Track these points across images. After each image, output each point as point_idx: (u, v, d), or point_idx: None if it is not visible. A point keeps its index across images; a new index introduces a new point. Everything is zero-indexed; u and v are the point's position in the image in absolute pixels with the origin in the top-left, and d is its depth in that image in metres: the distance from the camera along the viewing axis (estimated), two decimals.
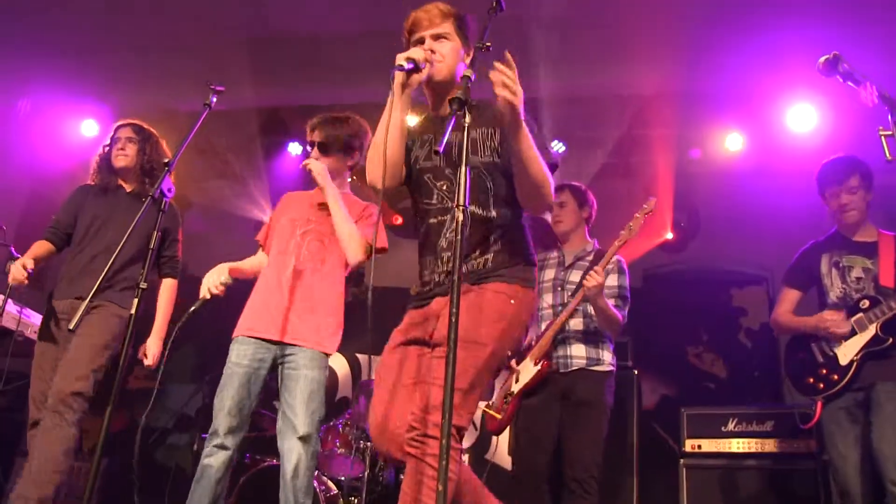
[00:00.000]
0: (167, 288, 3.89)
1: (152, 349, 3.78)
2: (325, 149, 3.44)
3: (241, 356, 3.22)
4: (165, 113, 6.02)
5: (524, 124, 2.20)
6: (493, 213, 2.46)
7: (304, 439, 3.10)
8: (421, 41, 2.52)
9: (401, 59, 2.33)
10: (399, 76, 2.33)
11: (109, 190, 3.87)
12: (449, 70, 2.50)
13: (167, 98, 6.08)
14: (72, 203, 3.87)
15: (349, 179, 6.09)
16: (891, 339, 3.28)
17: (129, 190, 3.89)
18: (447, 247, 2.44)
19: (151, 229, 2.73)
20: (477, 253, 2.42)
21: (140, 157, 3.84)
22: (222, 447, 3.11)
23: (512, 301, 2.37)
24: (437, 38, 2.52)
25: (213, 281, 3.12)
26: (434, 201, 2.51)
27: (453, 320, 1.80)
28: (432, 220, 2.51)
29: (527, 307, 2.43)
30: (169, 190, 2.69)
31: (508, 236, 2.47)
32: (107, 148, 3.93)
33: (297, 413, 3.11)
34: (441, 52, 2.48)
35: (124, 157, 3.83)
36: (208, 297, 3.12)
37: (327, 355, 3.28)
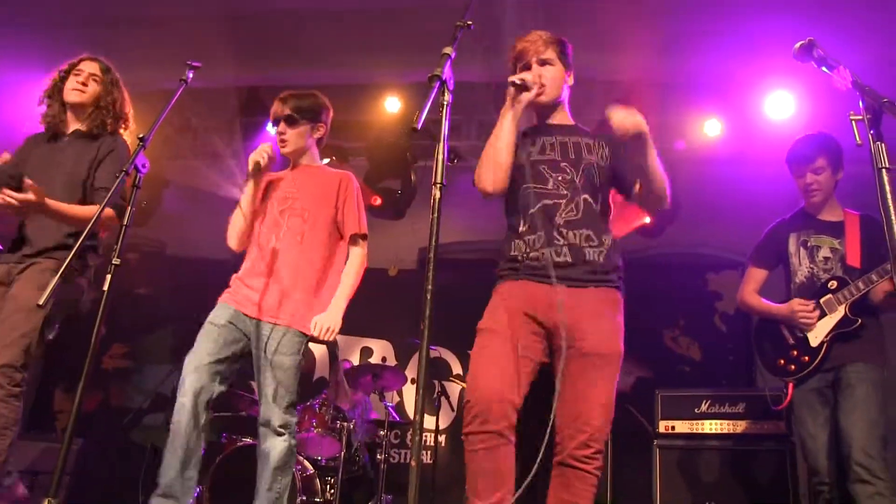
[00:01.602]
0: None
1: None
2: (292, 121, 3.48)
3: (219, 317, 3.21)
4: (142, 90, 5.94)
5: (649, 141, 2.59)
6: (600, 208, 2.73)
7: (281, 429, 3.14)
8: (528, 67, 2.78)
9: (514, 78, 2.65)
10: (511, 91, 2.66)
11: (57, 134, 3.49)
12: (554, 93, 2.81)
13: (144, 75, 5.99)
14: (19, 155, 3.48)
15: (326, 161, 6.08)
16: (860, 321, 3.32)
17: (74, 129, 3.52)
18: (563, 224, 2.63)
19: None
20: (596, 242, 2.64)
21: (98, 99, 3.48)
22: (183, 394, 3.06)
23: (620, 305, 2.67)
24: (542, 63, 2.78)
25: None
26: (549, 187, 2.70)
27: (428, 300, 1.81)
28: (547, 202, 2.68)
29: (623, 311, 2.69)
30: (143, 165, 2.65)
31: (613, 238, 2.72)
32: (62, 74, 3.55)
33: (271, 404, 3.14)
34: (546, 77, 2.76)
35: (80, 93, 3.47)
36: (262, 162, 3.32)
37: (304, 335, 3.26)
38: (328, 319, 3.24)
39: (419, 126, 1.95)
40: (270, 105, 6.77)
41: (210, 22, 5.58)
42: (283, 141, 3.48)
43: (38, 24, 5.73)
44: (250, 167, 3.33)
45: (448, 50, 2.10)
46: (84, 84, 3.49)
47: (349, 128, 6.92)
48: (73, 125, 3.52)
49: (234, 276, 3.39)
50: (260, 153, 3.34)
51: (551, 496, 2.48)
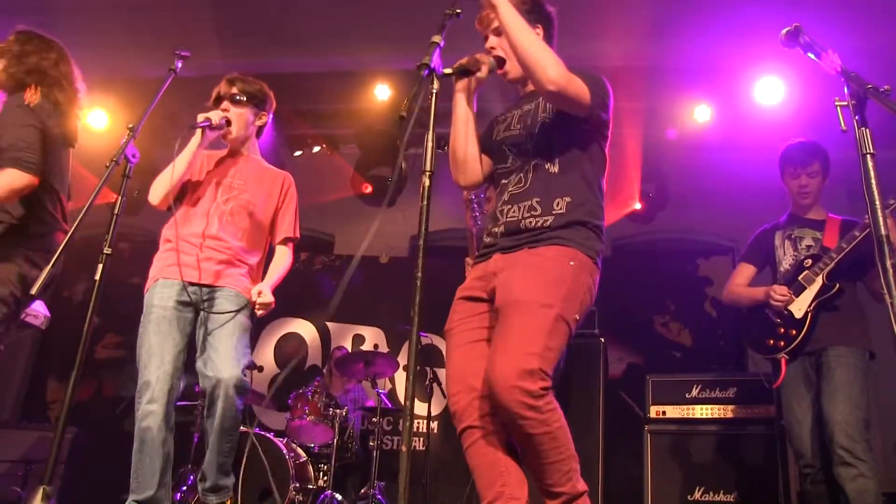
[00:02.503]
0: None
1: None
2: (237, 102, 3.39)
3: (166, 298, 3.06)
4: (130, 79, 5.92)
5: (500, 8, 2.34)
6: (560, 166, 2.42)
7: (239, 389, 2.99)
8: (486, 40, 2.60)
9: (447, 70, 2.36)
10: (456, 82, 2.49)
11: None
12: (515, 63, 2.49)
13: (132, 65, 5.97)
14: None
15: (317, 149, 6.07)
16: (837, 285, 3.45)
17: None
18: (508, 200, 2.45)
19: None
20: (539, 210, 2.37)
21: (12, 68, 3.11)
22: (153, 401, 2.90)
23: (571, 262, 2.27)
24: (497, 33, 2.55)
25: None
26: (508, 164, 2.54)
27: (418, 286, 1.82)
28: (503, 181, 2.54)
29: (588, 271, 2.32)
30: (133, 155, 2.65)
31: (576, 199, 2.38)
32: None
33: (230, 360, 3.00)
34: (503, 47, 2.53)
35: None
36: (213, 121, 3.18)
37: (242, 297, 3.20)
38: (266, 291, 3.19)
39: (407, 115, 1.96)
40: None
41: (198, 8, 5.56)
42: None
43: (24, 10, 5.68)
44: (200, 119, 3.21)
45: (437, 38, 2.10)
46: None
47: (339, 115, 6.92)
48: None
49: (162, 255, 3.23)
50: (214, 113, 3.27)
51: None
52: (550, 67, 2.27)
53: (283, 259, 3.40)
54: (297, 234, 3.48)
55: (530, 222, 2.36)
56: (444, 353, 2.56)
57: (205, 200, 3.30)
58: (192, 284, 3.12)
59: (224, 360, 2.99)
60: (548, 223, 2.33)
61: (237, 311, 3.11)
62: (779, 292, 3.53)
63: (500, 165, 2.58)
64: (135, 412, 2.96)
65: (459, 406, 2.30)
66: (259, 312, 3.16)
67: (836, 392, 3.26)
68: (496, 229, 2.45)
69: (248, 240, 3.31)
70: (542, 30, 2.57)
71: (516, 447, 2.27)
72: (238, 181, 3.38)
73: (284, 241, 3.45)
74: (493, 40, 2.57)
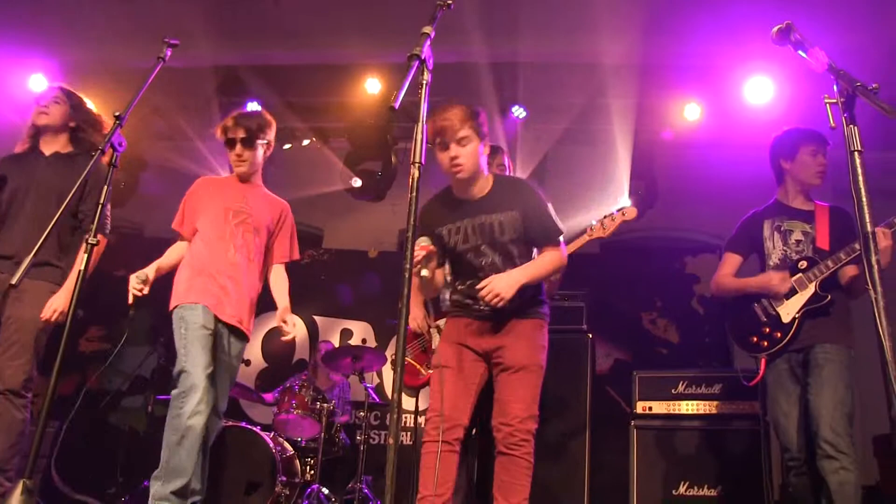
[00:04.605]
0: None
1: (58, 302, 3.45)
2: (249, 143, 3.52)
3: (208, 321, 3.27)
4: (117, 69, 5.87)
5: (521, 278, 2.93)
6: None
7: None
8: (445, 145, 2.97)
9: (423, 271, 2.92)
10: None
11: (25, 155, 3.69)
12: (471, 168, 3.02)
13: (120, 54, 5.93)
14: None
15: (306, 142, 6.06)
16: (829, 297, 3.44)
17: (48, 153, 3.69)
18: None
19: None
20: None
21: (65, 119, 3.70)
22: (201, 402, 3.16)
23: (543, 330, 3.12)
24: (460, 142, 2.95)
25: (135, 284, 3.19)
26: (475, 267, 3.10)
27: (406, 279, 1.81)
28: (474, 280, 3.09)
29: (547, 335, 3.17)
30: (120, 144, 2.63)
31: (531, 290, 3.08)
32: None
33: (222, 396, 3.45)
34: (464, 156, 2.97)
35: (45, 115, 3.67)
36: (136, 295, 3.20)
37: (247, 339, 3.54)
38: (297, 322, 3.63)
39: (396, 105, 1.95)
40: (249, 85, 6.74)
41: (188, 0, 5.52)
42: (241, 161, 3.54)
43: None
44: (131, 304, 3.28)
45: (427, 29, 2.09)
46: (44, 107, 3.68)
47: (329, 109, 6.89)
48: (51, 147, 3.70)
49: (189, 277, 3.38)
50: (132, 286, 3.23)
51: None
52: (561, 265, 3.13)
53: (286, 284, 3.63)
54: (297, 256, 3.76)
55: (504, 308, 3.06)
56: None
57: (220, 225, 3.45)
58: (221, 321, 3.34)
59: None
60: (516, 303, 3.02)
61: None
62: (779, 276, 3.51)
63: (467, 268, 3.20)
64: (177, 409, 3.13)
65: (450, 424, 2.93)
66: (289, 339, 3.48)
67: (823, 388, 3.29)
68: (480, 307, 3.10)
69: (255, 265, 3.51)
70: (487, 143, 3.06)
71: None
72: (246, 207, 3.53)
73: (285, 265, 3.68)
74: (455, 149, 2.95)
